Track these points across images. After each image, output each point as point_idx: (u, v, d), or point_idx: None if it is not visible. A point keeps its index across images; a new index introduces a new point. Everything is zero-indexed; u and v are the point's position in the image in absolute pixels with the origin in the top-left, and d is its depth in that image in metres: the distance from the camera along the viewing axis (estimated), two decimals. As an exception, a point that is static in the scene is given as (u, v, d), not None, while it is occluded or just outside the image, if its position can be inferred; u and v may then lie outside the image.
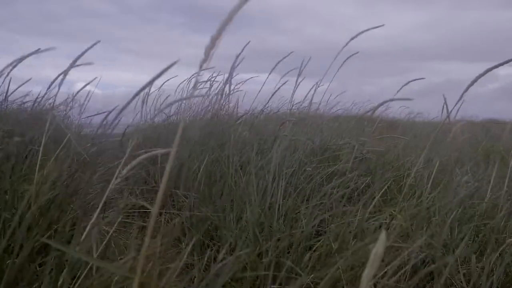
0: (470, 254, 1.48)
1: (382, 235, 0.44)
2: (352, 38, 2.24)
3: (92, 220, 0.89)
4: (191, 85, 3.66)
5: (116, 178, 0.85)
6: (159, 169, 2.37)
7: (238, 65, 2.78)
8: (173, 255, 1.63)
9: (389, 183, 2.18)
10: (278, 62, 2.92)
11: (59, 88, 1.41)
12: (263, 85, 3.17)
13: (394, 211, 1.59)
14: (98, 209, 0.90)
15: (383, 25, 2.25)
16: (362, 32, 2.20)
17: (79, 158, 1.55)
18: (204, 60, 0.44)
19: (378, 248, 0.45)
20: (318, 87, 2.97)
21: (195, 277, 1.21)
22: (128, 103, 0.81)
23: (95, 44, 1.34)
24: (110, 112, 1.25)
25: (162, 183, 0.43)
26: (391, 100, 1.71)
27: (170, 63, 0.70)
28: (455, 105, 1.56)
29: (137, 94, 0.76)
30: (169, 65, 0.62)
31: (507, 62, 1.14)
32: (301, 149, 2.26)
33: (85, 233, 0.90)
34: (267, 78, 3.13)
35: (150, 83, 0.71)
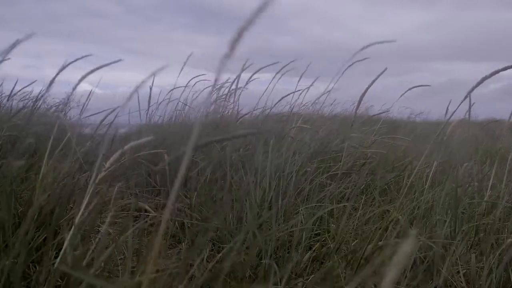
0: (470, 254, 1.48)
1: (413, 232, 0.39)
2: (363, 48, 2.20)
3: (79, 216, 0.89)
4: (194, 86, 3.67)
5: (101, 171, 0.86)
6: (161, 170, 2.37)
7: (247, 67, 2.79)
8: (173, 255, 1.63)
9: (389, 184, 2.18)
10: (283, 68, 2.93)
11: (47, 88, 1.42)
12: (267, 87, 3.17)
13: (391, 209, 1.59)
14: (84, 202, 0.90)
15: (395, 40, 2.19)
16: (374, 44, 2.15)
17: (78, 157, 1.55)
18: (222, 65, 0.44)
19: (405, 247, 0.39)
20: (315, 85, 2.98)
21: (194, 276, 1.21)
22: (122, 106, 0.82)
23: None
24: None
25: (174, 187, 0.43)
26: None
27: (171, 62, 0.71)
28: (459, 105, 1.56)
29: (131, 96, 0.77)
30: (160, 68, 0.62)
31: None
32: (302, 150, 2.26)
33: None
34: (271, 81, 3.12)
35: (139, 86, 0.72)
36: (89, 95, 2.62)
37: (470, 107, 1.72)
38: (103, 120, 1.47)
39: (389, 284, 0.37)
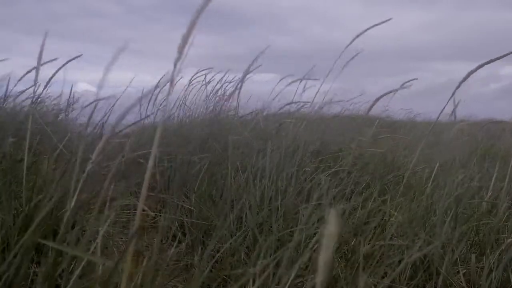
0: (470, 254, 1.48)
1: (332, 211, 0.40)
2: (358, 36, 2.19)
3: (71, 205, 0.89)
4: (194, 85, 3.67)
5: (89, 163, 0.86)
6: (160, 170, 2.37)
7: (252, 69, 2.80)
8: (173, 255, 1.63)
9: (388, 183, 2.18)
10: (285, 76, 2.95)
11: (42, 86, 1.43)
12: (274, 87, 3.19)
13: (391, 210, 1.59)
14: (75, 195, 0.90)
15: (390, 18, 2.17)
16: (368, 29, 2.15)
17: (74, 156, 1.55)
18: (178, 58, 0.44)
19: (331, 227, 0.41)
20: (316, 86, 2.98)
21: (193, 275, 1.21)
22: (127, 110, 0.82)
23: None
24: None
25: (144, 180, 0.43)
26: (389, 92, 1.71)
27: (173, 63, 0.72)
28: (447, 103, 1.56)
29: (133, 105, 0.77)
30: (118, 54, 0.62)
31: (498, 58, 1.14)
32: (302, 150, 2.26)
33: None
34: (277, 83, 3.15)
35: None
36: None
37: (456, 106, 1.72)
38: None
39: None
